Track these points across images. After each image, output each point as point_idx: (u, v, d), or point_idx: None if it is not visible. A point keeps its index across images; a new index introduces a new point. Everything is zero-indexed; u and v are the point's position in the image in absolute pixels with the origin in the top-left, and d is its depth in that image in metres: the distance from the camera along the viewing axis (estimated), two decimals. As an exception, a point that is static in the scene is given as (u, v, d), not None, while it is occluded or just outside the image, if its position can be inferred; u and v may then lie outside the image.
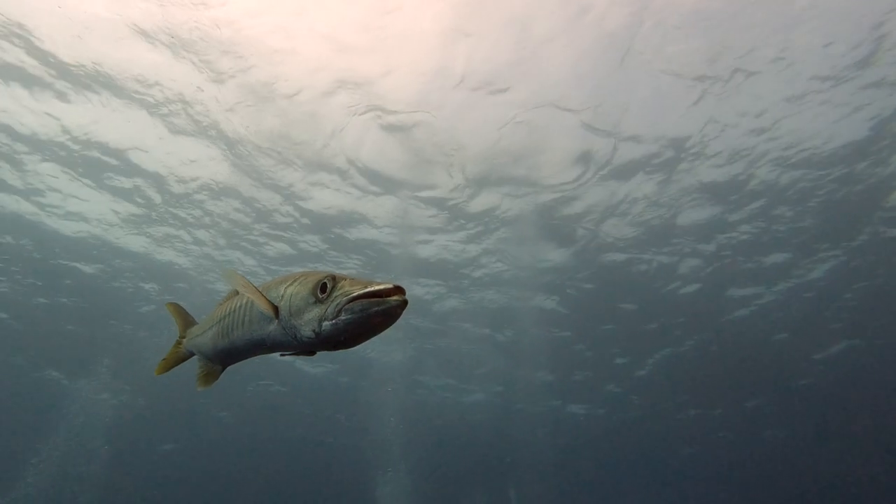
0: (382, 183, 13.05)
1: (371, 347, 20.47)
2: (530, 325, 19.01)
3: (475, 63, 10.11)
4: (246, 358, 2.85)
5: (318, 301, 2.32)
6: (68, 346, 21.43)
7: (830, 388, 22.45)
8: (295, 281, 2.51)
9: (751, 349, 19.88)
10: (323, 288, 2.33)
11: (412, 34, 9.59)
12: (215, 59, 10.06)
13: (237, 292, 2.93)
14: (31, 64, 9.97)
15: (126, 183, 13.17)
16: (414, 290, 17.24)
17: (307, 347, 2.41)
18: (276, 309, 2.48)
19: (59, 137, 11.73)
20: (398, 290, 2.22)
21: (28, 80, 10.33)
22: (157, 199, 13.70)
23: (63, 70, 10.11)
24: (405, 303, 2.22)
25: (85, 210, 14.13)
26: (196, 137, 11.79)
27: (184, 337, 3.34)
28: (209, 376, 2.99)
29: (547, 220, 14.04)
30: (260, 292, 2.54)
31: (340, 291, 2.29)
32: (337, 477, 37.10)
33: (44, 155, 12.23)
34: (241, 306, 2.73)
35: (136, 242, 15.46)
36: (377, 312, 2.21)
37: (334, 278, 2.34)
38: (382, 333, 2.33)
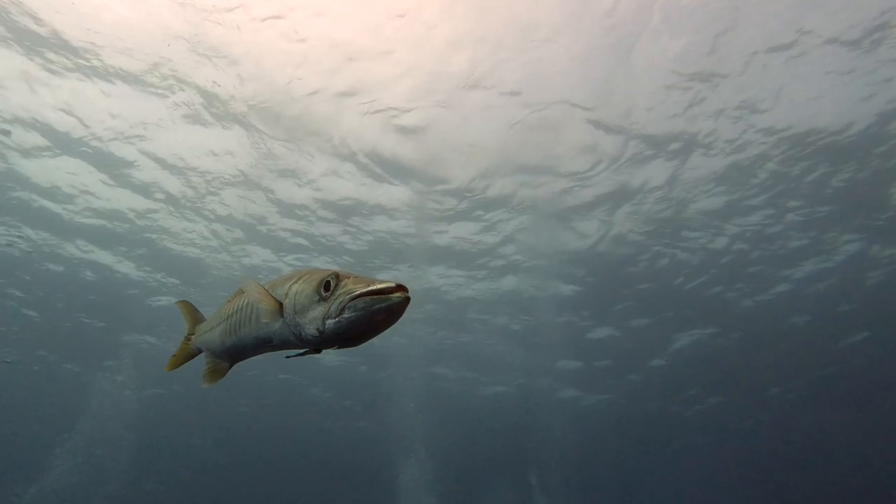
0: (399, 176, 13.13)
1: (391, 339, 20.56)
2: (550, 314, 18.97)
3: (486, 63, 10.26)
4: (253, 355, 2.88)
5: (322, 299, 2.33)
6: (90, 340, 21.81)
7: (853, 376, 22.13)
8: (300, 279, 2.52)
9: (771, 337, 19.67)
10: (326, 286, 2.33)
11: (424, 36, 9.74)
12: (234, 58, 10.20)
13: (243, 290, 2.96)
14: (49, 59, 10.10)
15: (144, 177, 13.33)
16: (432, 281, 17.28)
17: (312, 345, 2.42)
18: (280, 307, 2.50)
19: (78, 132, 11.87)
20: (401, 288, 2.22)
21: (46, 76, 10.46)
22: (176, 192, 13.85)
23: (80, 65, 10.23)
24: (408, 300, 2.21)
25: (103, 205, 14.33)
26: (214, 132, 11.91)
27: (193, 334, 3.39)
28: (215, 373, 3.01)
29: (563, 211, 14.03)
30: (267, 293, 2.56)
31: (344, 289, 2.29)
32: (360, 465, 37.45)
33: (62, 150, 12.40)
34: (248, 304, 2.75)
35: (154, 236, 15.65)
36: (380, 310, 2.20)
37: (338, 276, 2.34)
38: (395, 326, 2.34)
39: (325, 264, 16.33)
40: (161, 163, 12.84)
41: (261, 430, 32.83)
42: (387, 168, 12.90)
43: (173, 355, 3.37)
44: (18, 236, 15.66)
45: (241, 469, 40.86)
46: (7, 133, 11.80)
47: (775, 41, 9.67)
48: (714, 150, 12.06)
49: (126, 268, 17.22)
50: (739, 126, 11.43)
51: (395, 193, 13.70)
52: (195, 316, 3.51)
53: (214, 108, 11.34)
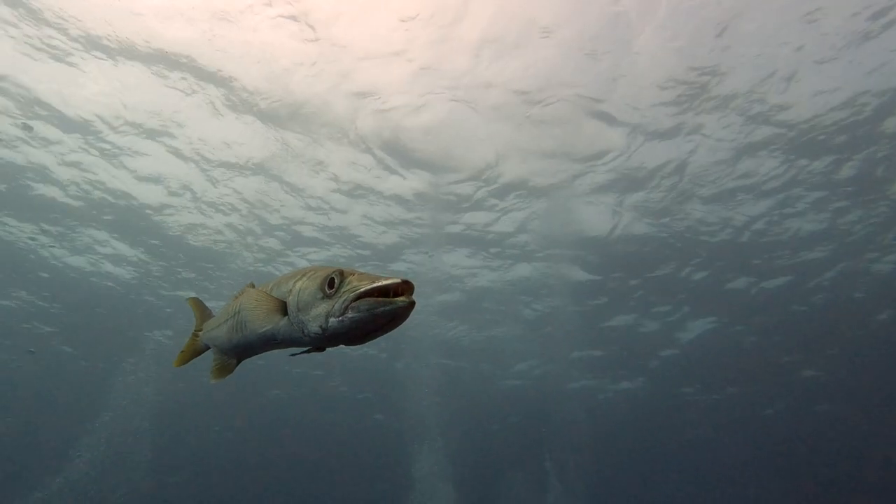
0: (414, 168, 13.26)
1: (406, 332, 20.63)
2: (565, 302, 18.94)
3: (495, 60, 10.50)
4: (259, 352, 2.86)
5: (326, 297, 2.30)
6: (111, 335, 22.14)
7: (873, 364, 21.84)
8: (304, 276, 2.51)
9: (786, 324, 19.49)
10: (331, 283, 2.30)
11: (437, 36, 10.00)
12: (251, 56, 10.44)
13: (252, 285, 2.97)
14: (68, 55, 10.27)
15: (163, 171, 13.48)
16: (447, 270, 17.32)
17: (315, 343, 2.39)
18: (284, 305, 2.49)
19: (95, 125, 12.02)
20: (406, 285, 2.19)
21: (66, 70, 10.61)
22: (195, 186, 14.00)
23: (100, 59, 10.38)
24: (412, 304, 2.18)
25: (122, 200, 14.50)
26: (231, 126, 12.09)
27: (200, 330, 3.39)
28: (223, 370, 3.01)
29: (576, 199, 14.06)
30: (269, 296, 2.56)
31: (348, 287, 2.25)
32: (376, 454, 37.75)
33: (82, 145, 12.57)
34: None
35: (172, 231, 15.83)
36: (383, 313, 2.17)
37: (342, 273, 2.31)
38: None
39: (342, 253, 16.41)
40: (180, 156, 13.00)
41: (277, 423, 33.18)
42: (401, 160, 13.03)
43: (182, 351, 3.41)
44: (39, 233, 15.91)
45: (257, 462, 41.31)
46: (29, 129, 11.98)
47: (783, 28, 9.63)
48: (724, 138, 12.04)
49: (145, 262, 17.44)
50: (749, 114, 11.41)
51: (409, 184, 13.79)
52: (204, 313, 3.52)
53: (231, 104, 11.50)
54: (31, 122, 11.84)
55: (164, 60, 10.46)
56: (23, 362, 24.88)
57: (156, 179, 13.75)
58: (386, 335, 2.35)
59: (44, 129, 12.05)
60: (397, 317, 2.19)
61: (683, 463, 37.15)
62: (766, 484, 40.02)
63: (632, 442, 33.49)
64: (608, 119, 11.66)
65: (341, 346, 2.41)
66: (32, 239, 16.24)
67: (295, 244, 16.16)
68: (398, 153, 12.79)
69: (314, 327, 2.31)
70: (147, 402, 23.27)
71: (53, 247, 16.63)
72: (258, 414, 31.74)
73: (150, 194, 14.32)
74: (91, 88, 11.04)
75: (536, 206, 14.39)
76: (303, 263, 16.77)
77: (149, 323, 21.05)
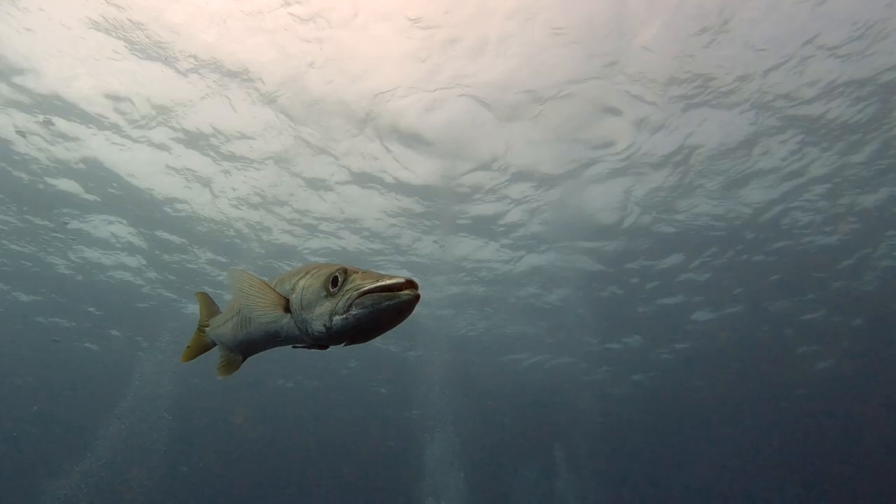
0: (425, 160, 13.36)
1: (420, 323, 20.71)
2: (577, 291, 18.92)
3: (502, 60, 10.75)
4: (264, 350, 2.86)
5: (330, 294, 2.27)
6: (130, 328, 22.49)
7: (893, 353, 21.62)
8: (307, 274, 2.47)
9: (803, 314, 19.33)
10: (334, 281, 2.27)
11: (448, 37, 10.27)
12: (267, 54, 10.69)
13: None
14: (86, 45, 10.41)
15: (177, 163, 13.61)
16: (458, 262, 17.40)
17: (318, 341, 2.36)
18: (286, 303, 2.47)
19: (113, 120, 12.18)
20: (410, 284, 2.16)
21: (86, 63, 10.77)
22: (209, 178, 14.13)
23: (115, 53, 10.54)
24: (417, 297, 2.15)
25: (139, 194, 14.68)
26: (246, 120, 12.28)
27: (206, 326, 3.35)
28: (229, 366, 3.00)
29: (586, 191, 14.10)
30: (269, 288, 2.53)
31: (352, 285, 2.22)
32: (387, 443, 37.99)
33: (99, 139, 12.74)
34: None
35: (189, 222, 16.02)
36: (388, 307, 2.14)
37: (346, 271, 2.28)
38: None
39: (354, 246, 16.52)
40: (197, 151, 13.15)
41: (287, 415, 33.49)
42: (413, 154, 13.13)
43: (188, 347, 3.34)
44: (58, 228, 16.16)
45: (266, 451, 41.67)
46: (49, 123, 12.16)
47: (794, 16, 9.60)
48: (735, 129, 12.04)
49: (160, 256, 17.64)
50: (760, 103, 11.40)
51: (421, 177, 13.87)
52: (211, 308, 3.47)
53: (249, 99, 11.67)
54: (51, 118, 12.03)
55: (181, 57, 10.62)
56: (52, 351, 25.29)
57: (173, 174, 13.92)
58: (404, 325, 2.31)
59: (63, 125, 12.24)
60: (402, 311, 2.17)
61: (694, 455, 37.02)
62: (775, 478, 39.80)
63: (643, 434, 33.43)
64: (616, 112, 11.71)
65: (344, 344, 2.36)
66: (55, 232, 16.51)
67: (308, 237, 16.29)
68: (410, 147, 12.90)
69: (318, 325, 2.29)
70: (164, 394, 23.58)
71: (74, 239, 16.87)
72: (268, 404, 32.04)
73: (167, 188, 14.49)
74: (110, 84, 11.21)
75: (547, 197, 14.41)
76: (315, 257, 16.93)
77: (164, 316, 21.31)
